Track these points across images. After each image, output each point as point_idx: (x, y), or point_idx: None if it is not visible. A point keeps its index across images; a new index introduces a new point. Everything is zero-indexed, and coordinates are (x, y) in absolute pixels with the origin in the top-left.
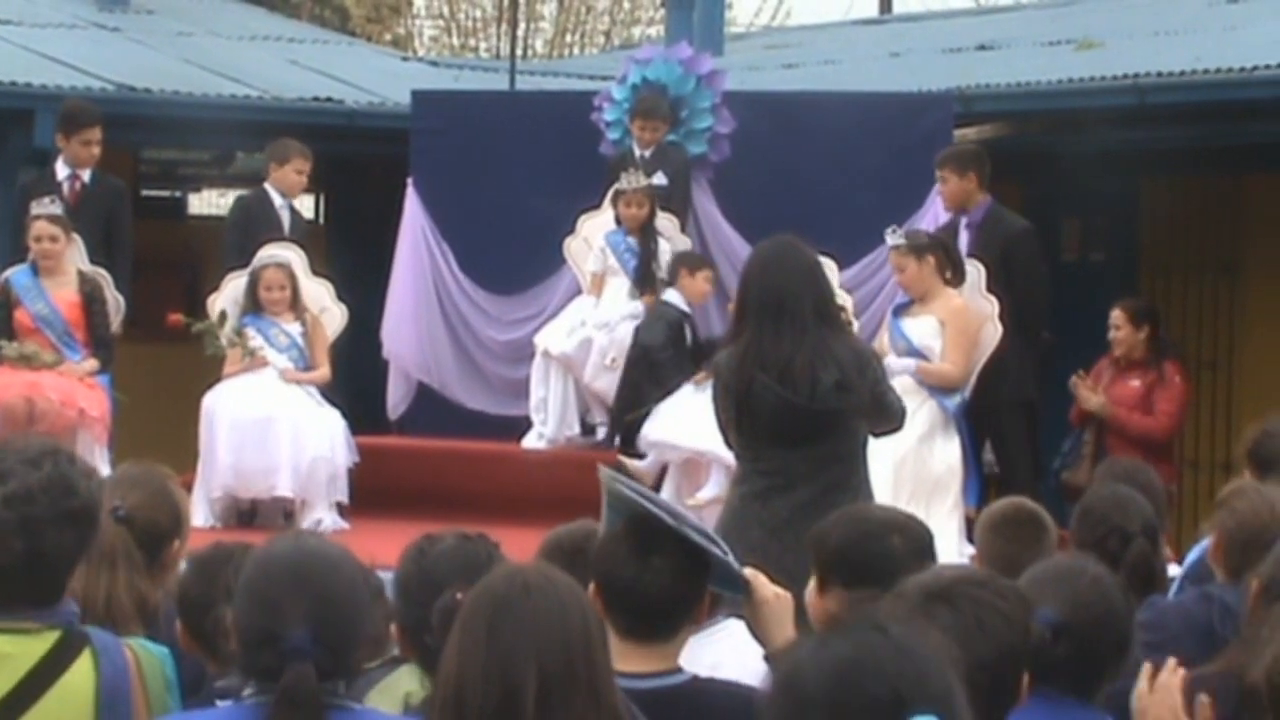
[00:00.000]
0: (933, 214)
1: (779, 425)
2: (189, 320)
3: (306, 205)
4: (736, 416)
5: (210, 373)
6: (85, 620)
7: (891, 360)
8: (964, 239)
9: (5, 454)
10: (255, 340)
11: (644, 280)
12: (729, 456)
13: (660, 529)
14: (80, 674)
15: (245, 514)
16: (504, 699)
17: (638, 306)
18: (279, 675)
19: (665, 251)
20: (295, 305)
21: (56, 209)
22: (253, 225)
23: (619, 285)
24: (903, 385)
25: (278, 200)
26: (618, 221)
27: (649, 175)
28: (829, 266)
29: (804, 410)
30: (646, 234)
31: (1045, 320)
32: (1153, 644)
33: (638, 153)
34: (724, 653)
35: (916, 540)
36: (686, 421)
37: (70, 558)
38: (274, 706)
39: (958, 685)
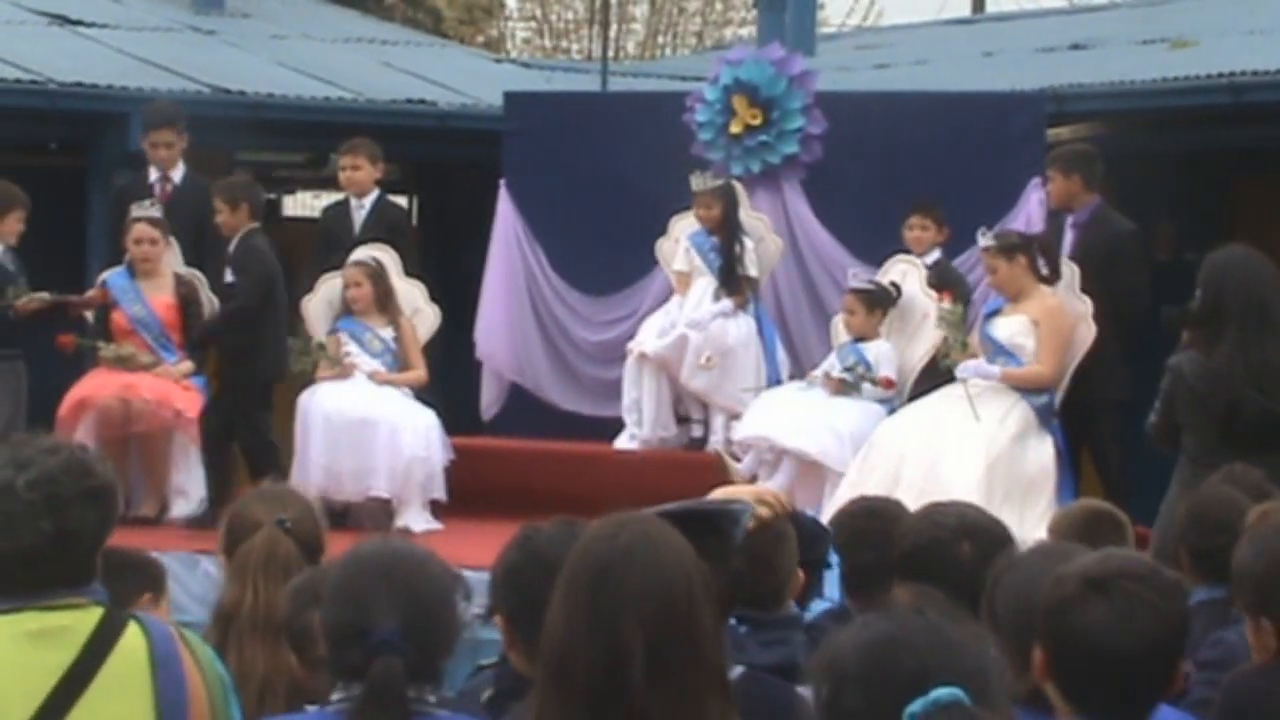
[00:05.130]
0: (1025, 214)
1: (1255, 431)
2: None
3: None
4: (1205, 420)
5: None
6: (264, 630)
7: (974, 365)
8: (1069, 238)
9: (20, 445)
10: (346, 345)
11: (728, 279)
12: (820, 457)
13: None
14: (133, 639)
15: (339, 514)
16: (610, 667)
17: (728, 305)
18: (366, 672)
19: (751, 250)
20: (387, 308)
21: (156, 212)
22: (330, 234)
23: (705, 285)
24: (994, 386)
25: (353, 201)
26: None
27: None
28: (916, 268)
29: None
30: (729, 233)
31: (1144, 322)
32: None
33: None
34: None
35: (990, 547)
36: (784, 418)
37: (96, 536)
38: (360, 701)
39: (992, 667)
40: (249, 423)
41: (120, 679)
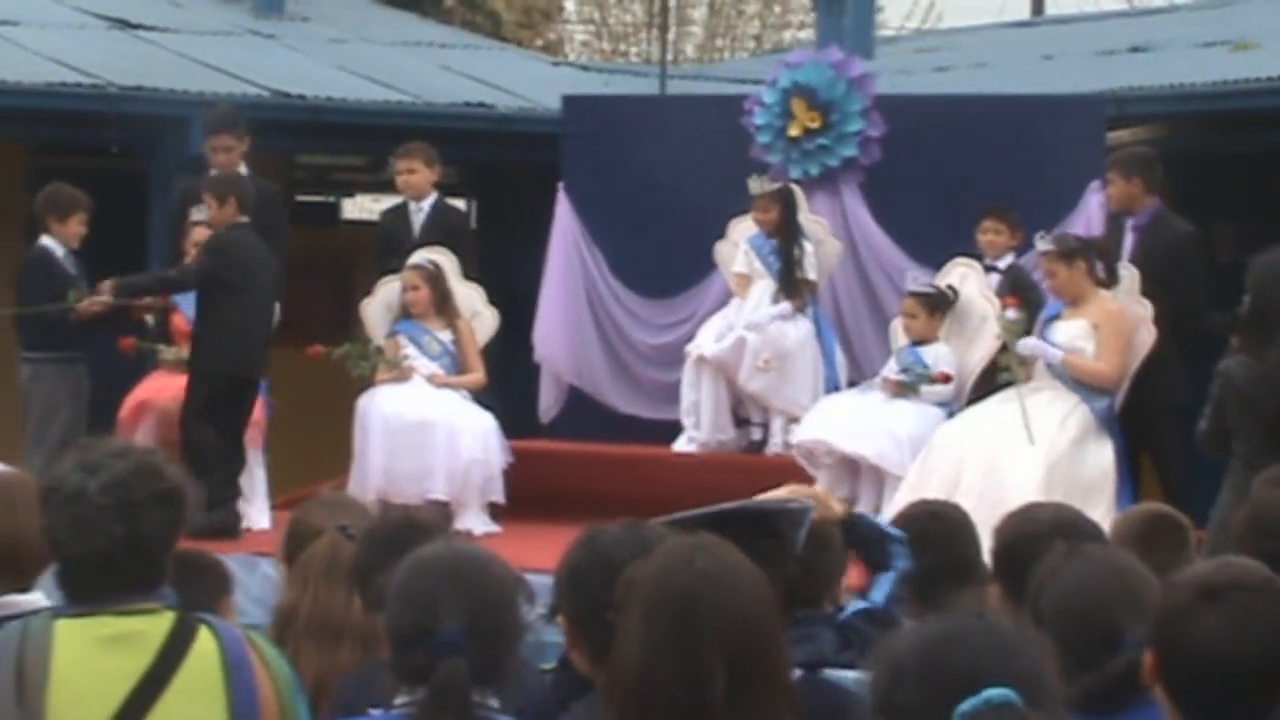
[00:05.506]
0: (1085, 217)
1: None
2: (328, 349)
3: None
4: (1256, 424)
5: (363, 376)
6: (320, 633)
7: (1035, 343)
8: (1129, 241)
9: (89, 449)
10: (404, 349)
11: (787, 282)
12: (879, 461)
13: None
14: (205, 643)
15: None
16: (694, 692)
17: (787, 308)
18: (431, 674)
19: (810, 254)
20: (446, 311)
21: None
22: (389, 238)
23: (764, 288)
24: (1054, 389)
25: (412, 205)
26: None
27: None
28: (975, 271)
29: None
30: (787, 236)
31: (1200, 325)
32: None
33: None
34: None
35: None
36: (842, 421)
37: (167, 539)
38: (424, 704)
39: (1049, 672)
40: (191, 421)
41: (194, 684)
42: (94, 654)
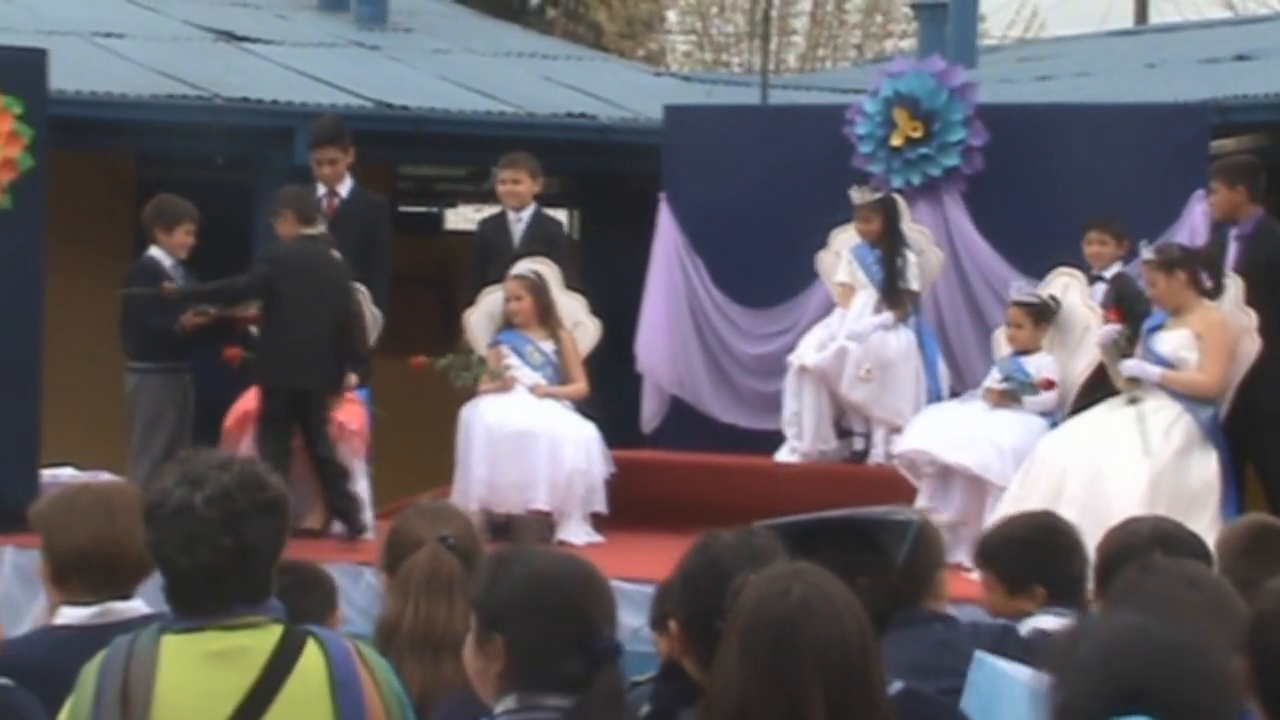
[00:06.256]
0: (1189, 226)
1: None
2: (431, 360)
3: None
4: None
5: (466, 386)
6: (423, 646)
7: (1135, 364)
8: (1232, 250)
9: (190, 462)
10: (507, 359)
11: (890, 292)
12: (981, 472)
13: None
14: (312, 659)
15: (500, 527)
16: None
17: (888, 317)
18: (582, 682)
19: (912, 263)
20: (548, 321)
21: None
22: (488, 247)
23: (866, 297)
24: (1158, 398)
25: (511, 215)
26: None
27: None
28: (1078, 281)
29: None
30: (890, 246)
31: None
32: None
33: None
34: None
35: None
36: (945, 432)
37: (274, 548)
38: (582, 709)
39: (1224, 702)
40: (262, 441)
41: (299, 702)
42: (199, 670)
